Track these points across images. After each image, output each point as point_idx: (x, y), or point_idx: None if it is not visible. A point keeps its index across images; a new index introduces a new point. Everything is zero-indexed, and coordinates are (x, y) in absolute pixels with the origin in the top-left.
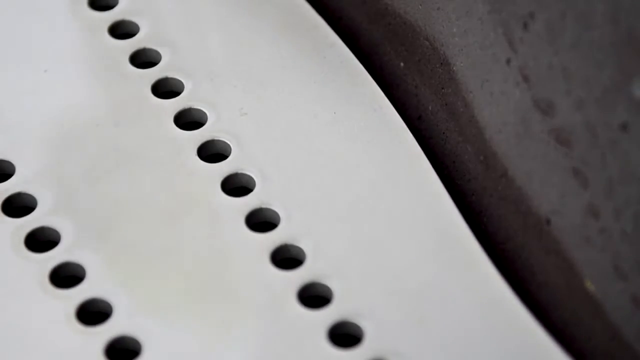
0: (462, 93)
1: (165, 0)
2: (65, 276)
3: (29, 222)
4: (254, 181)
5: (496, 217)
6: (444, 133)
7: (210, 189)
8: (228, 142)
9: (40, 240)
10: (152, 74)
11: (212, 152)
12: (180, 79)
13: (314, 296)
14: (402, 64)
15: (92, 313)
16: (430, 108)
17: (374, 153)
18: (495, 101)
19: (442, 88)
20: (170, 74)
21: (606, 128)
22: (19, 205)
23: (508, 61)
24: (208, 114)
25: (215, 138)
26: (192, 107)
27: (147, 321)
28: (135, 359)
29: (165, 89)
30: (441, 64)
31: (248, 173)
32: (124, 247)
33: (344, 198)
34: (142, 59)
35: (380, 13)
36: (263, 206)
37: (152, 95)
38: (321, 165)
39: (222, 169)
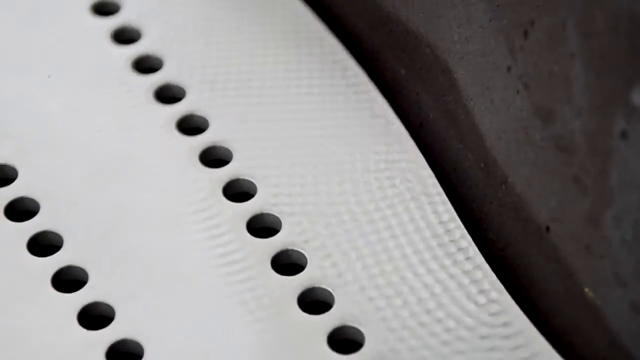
0: (462, 100)
1: (168, 7)
2: (68, 280)
3: (32, 227)
4: (255, 187)
5: (496, 223)
6: (445, 140)
7: (212, 195)
8: (229, 148)
9: (43, 245)
10: (155, 80)
11: (213, 158)
12: (182, 85)
13: (314, 301)
14: (403, 71)
15: (95, 317)
16: (431, 115)
17: (375, 160)
18: (495, 109)
19: (443, 95)
20: (173, 81)
21: (606, 136)
22: (21, 210)
23: (508, 69)
24: (210, 120)
25: (217, 144)
26: (194, 113)
27: (149, 325)
28: None
29: (167, 95)
30: (442, 71)
31: (249, 179)
32: (126, 251)
33: (346, 204)
34: (145, 65)
35: (382, 20)
36: (264, 212)
37: (154, 101)
38: (322, 172)
39: (224, 174)
